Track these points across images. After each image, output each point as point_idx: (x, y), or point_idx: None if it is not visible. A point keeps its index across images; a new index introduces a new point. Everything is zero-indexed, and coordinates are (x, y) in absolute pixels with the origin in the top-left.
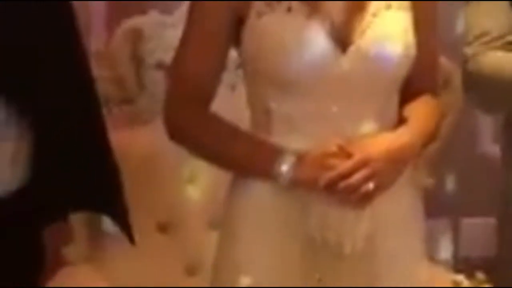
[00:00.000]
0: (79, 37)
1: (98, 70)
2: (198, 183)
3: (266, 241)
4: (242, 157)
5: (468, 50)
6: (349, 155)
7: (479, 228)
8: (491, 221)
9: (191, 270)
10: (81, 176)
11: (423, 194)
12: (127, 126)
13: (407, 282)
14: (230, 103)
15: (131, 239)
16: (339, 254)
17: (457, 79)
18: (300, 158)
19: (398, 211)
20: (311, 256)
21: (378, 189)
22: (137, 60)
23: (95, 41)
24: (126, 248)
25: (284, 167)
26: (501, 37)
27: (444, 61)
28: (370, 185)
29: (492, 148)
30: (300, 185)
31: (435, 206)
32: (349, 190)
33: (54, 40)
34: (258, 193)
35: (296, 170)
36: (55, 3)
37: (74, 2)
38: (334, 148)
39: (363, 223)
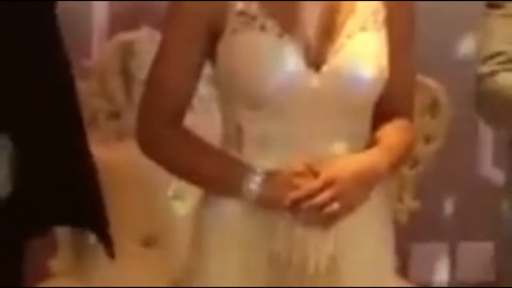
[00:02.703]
0: (60, 52)
1: (87, 84)
2: (184, 198)
3: (233, 258)
4: (212, 173)
5: (483, 69)
6: (316, 175)
7: (477, 253)
8: (489, 245)
9: (175, 285)
10: (62, 191)
11: (411, 217)
12: (115, 140)
13: None
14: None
15: (111, 253)
16: (303, 273)
17: (444, 102)
18: (268, 177)
19: (365, 233)
20: (276, 274)
21: (344, 210)
22: (127, 75)
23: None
24: (111, 261)
25: (252, 185)
26: None
27: (431, 83)
28: (335, 206)
29: (492, 171)
30: (266, 203)
31: (432, 230)
32: (313, 210)
33: (35, 54)
34: (226, 210)
35: (263, 189)
36: (35, 17)
37: (76, 15)
38: (301, 168)
39: (328, 243)
